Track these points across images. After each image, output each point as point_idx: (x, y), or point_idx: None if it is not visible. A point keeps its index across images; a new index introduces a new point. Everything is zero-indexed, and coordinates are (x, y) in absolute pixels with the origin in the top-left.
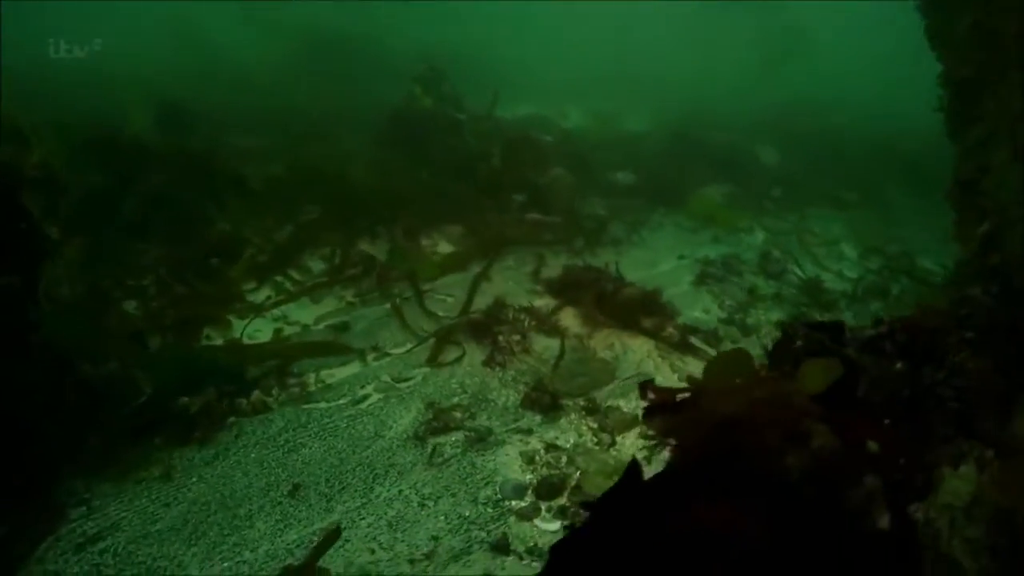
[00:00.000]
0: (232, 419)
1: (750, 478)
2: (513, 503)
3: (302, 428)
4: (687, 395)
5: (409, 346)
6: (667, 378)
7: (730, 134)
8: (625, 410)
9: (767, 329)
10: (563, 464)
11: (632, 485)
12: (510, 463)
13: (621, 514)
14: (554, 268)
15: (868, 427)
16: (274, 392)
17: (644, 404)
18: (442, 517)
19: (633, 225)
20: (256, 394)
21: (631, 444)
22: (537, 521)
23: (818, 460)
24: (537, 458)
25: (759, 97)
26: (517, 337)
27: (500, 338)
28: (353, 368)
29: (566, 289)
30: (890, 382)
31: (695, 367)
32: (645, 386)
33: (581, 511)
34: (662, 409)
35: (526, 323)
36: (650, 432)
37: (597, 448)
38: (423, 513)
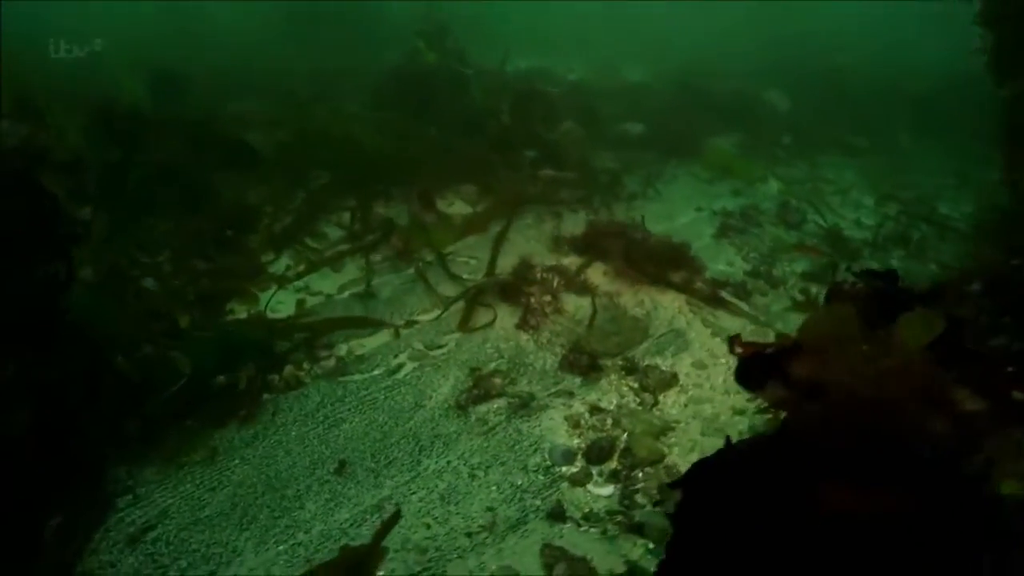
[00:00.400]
0: (267, 396)
1: (890, 456)
2: (564, 469)
3: (339, 402)
4: (781, 352)
5: (438, 312)
6: (700, 334)
7: (734, 80)
8: (663, 368)
9: (794, 280)
10: (609, 426)
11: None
12: (556, 428)
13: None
14: (574, 225)
15: (1006, 382)
16: (305, 366)
17: (736, 360)
18: (494, 487)
19: (647, 178)
20: (289, 369)
21: (672, 403)
22: (590, 486)
23: (967, 428)
24: (582, 421)
25: (758, 36)
26: (548, 297)
27: (532, 300)
28: (384, 337)
29: (592, 244)
30: (998, 333)
31: (728, 322)
32: (734, 340)
33: (667, 488)
34: (759, 369)
35: (555, 283)
36: (750, 397)
37: (640, 408)
38: (474, 484)
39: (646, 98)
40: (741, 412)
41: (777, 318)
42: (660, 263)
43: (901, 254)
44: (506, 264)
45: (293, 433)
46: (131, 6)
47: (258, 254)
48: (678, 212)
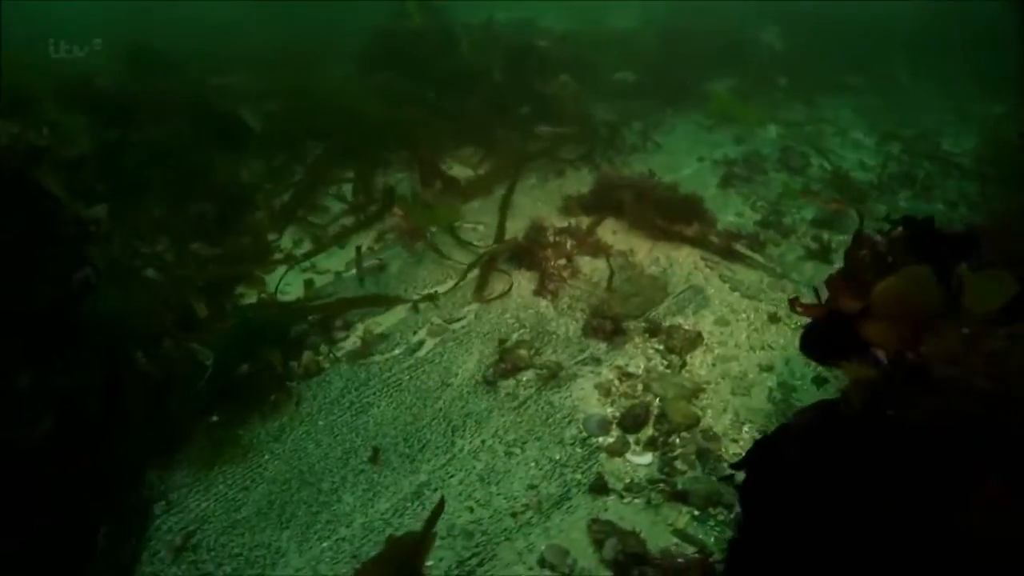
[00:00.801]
0: (289, 384)
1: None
2: (600, 439)
3: (364, 386)
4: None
5: (452, 283)
6: (718, 290)
7: (726, 22)
8: (686, 328)
9: (804, 228)
10: (640, 392)
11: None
12: (587, 397)
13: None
14: (579, 182)
15: None
16: (323, 349)
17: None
18: (532, 464)
19: (645, 129)
20: (307, 355)
21: (700, 363)
22: (628, 455)
23: None
24: (613, 389)
25: None
26: (563, 261)
27: (547, 264)
28: (400, 313)
29: (601, 201)
30: None
31: (744, 275)
32: (794, 303)
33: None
34: (826, 338)
35: (568, 245)
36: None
37: (669, 372)
38: (512, 462)
39: (637, 46)
40: (768, 368)
41: (792, 268)
42: (673, 217)
43: (908, 194)
44: (515, 228)
45: (320, 423)
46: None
47: (263, 234)
48: (681, 163)
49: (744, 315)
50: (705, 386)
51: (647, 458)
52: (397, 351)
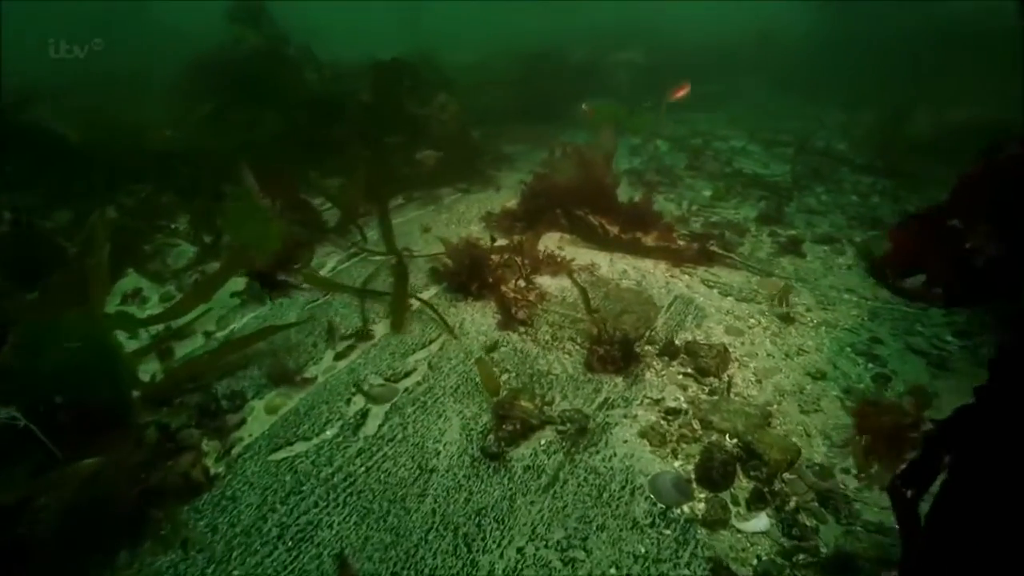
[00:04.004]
0: (155, 515)
1: None
2: (686, 508)
3: (294, 496)
4: None
5: (377, 324)
6: (708, 297)
7: (582, 50)
8: (703, 342)
9: (755, 227)
10: (700, 431)
11: None
12: (637, 452)
13: None
14: (488, 201)
15: None
16: (208, 446)
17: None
18: (612, 570)
19: (533, 148)
20: (184, 459)
21: (743, 381)
22: (735, 523)
23: None
24: (665, 433)
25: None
26: (522, 283)
27: (506, 289)
28: (308, 383)
29: (534, 211)
30: None
31: (730, 277)
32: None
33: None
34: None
35: (520, 262)
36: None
37: (718, 398)
38: (579, 573)
39: (492, 74)
40: (820, 375)
41: (770, 264)
42: (626, 225)
43: (822, 189)
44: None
45: (236, 573)
46: None
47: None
48: None
49: (753, 320)
50: (769, 408)
51: (761, 521)
52: (330, 432)
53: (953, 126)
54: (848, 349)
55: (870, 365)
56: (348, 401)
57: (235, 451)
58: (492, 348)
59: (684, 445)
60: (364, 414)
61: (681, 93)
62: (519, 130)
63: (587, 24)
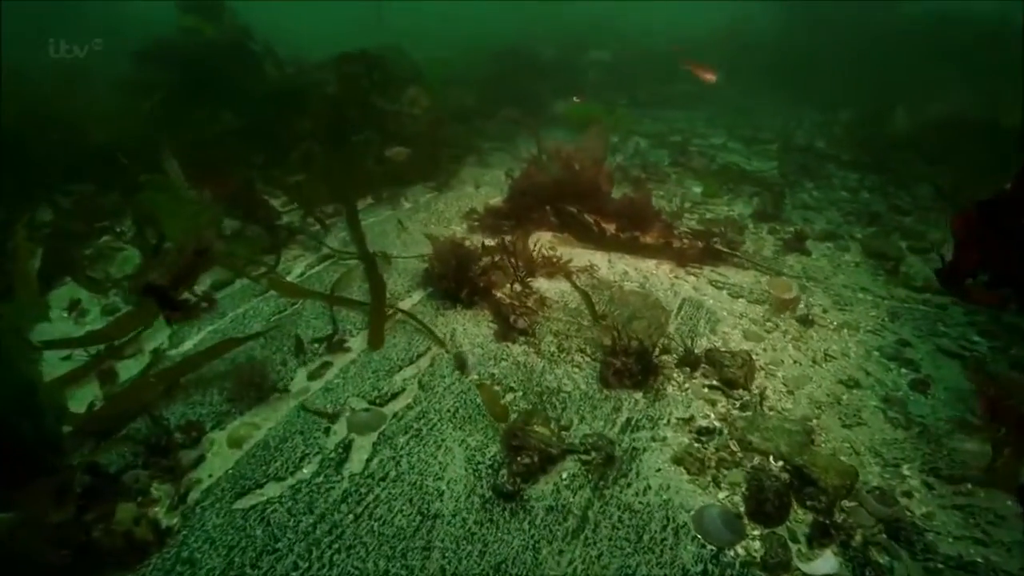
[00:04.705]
0: None
1: None
2: (740, 549)
3: (269, 556)
4: None
5: (353, 337)
6: (718, 299)
7: (553, 48)
8: (724, 349)
9: (752, 224)
10: (741, 453)
11: None
12: (674, 483)
13: None
14: (469, 199)
15: None
16: (156, 490)
17: None
18: None
19: (510, 144)
20: (124, 510)
21: (774, 392)
22: (800, 564)
23: None
24: (702, 459)
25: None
26: (517, 287)
27: (500, 294)
28: (282, 404)
29: (521, 208)
30: None
31: (736, 278)
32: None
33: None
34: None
35: (513, 264)
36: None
37: (752, 413)
38: None
39: (458, 72)
40: (853, 383)
41: (777, 263)
42: (621, 223)
43: (812, 185)
44: (419, 254)
45: None
46: None
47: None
48: None
49: (771, 324)
50: (809, 423)
51: (828, 561)
52: (308, 470)
53: (931, 123)
54: (876, 353)
55: (903, 370)
56: (327, 430)
57: (191, 497)
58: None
59: (725, 471)
60: (347, 446)
61: (708, 75)
62: (492, 126)
63: (555, 24)
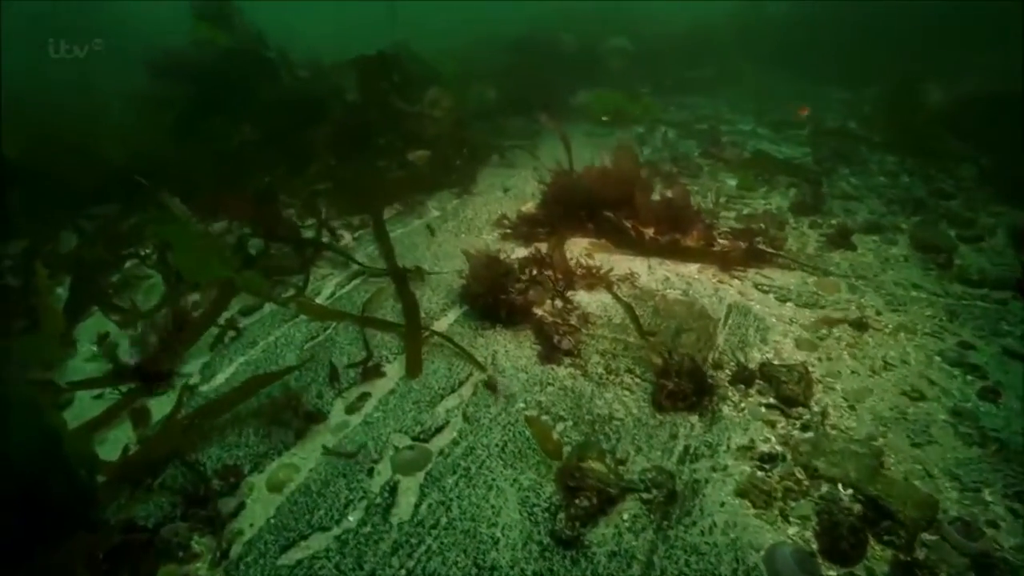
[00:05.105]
0: None
1: None
2: None
3: None
4: None
5: (389, 364)
6: (765, 304)
7: (573, 35)
8: (777, 362)
9: (793, 219)
10: (807, 482)
11: None
12: (740, 519)
13: None
14: (499, 204)
15: None
16: (196, 543)
17: None
18: None
19: (534, 142)
20: (168, 572)
21: (835, 408)
22: None
23: None
24: (769, 491)
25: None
26: (559, 303)
27: (542, 312)
28: (313, 442)
29: (557, 212)
30: None
31: (783, 280)
32: None
33: None
34: None
35: (552, 280)
36: None
37: (814, 434)
38: None
39: (476, 65)
40: (918, 395)
41: (822, 261)
42: (660, 226)
43: (848, 171)
44: (449, 271)
45: None
46: None
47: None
48: None
49: (824, 331)
50: (876, 444)
51: None
52: (354, 517)
53: (966, 98)
54: (938, 359)
55: (969, 377)
56: (370, 472)
57: (234, 551)
58: None
59: (792, 503)
60: (393, 489)
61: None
62: (516, 124)
63: (565, 11)
